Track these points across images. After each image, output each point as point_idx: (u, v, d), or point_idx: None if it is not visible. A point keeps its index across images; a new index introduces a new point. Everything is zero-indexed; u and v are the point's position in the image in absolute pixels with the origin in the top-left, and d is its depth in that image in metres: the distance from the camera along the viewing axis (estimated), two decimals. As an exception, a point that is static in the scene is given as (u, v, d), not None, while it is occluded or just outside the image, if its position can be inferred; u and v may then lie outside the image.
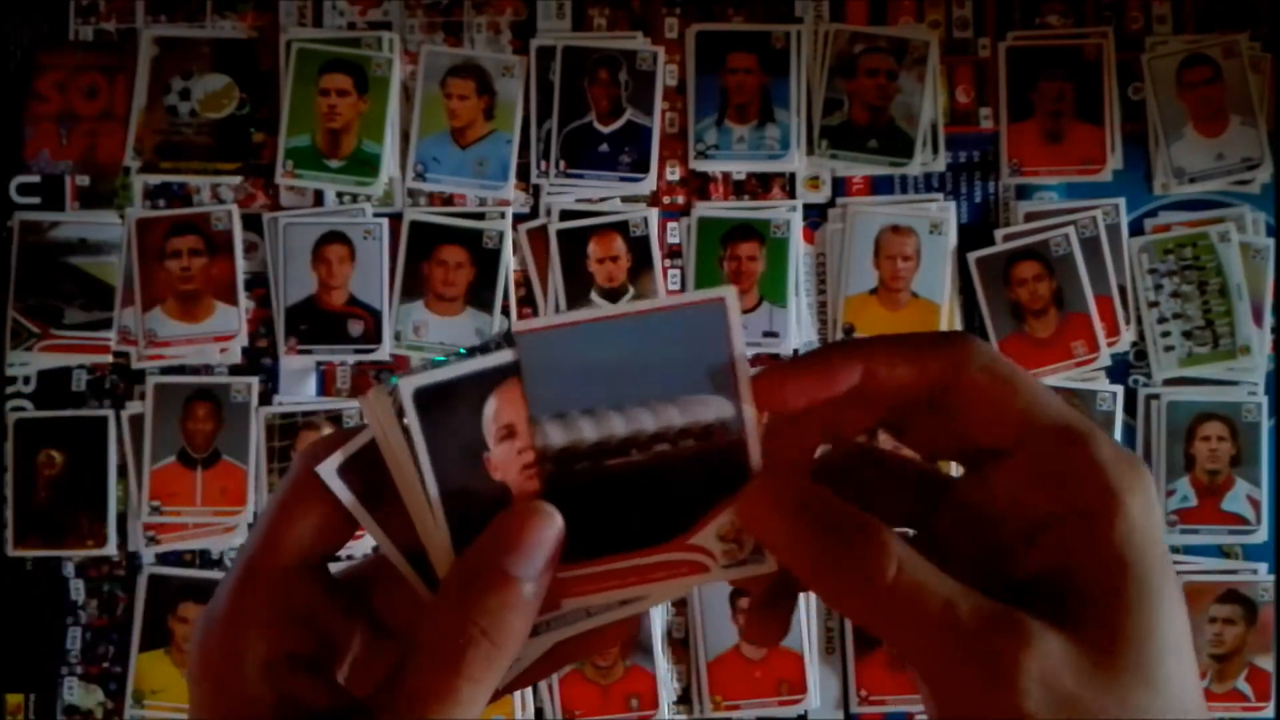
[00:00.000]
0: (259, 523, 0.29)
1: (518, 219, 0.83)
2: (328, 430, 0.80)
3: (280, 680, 0.27)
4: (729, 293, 0.29)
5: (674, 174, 0.84)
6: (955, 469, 0.31)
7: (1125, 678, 0.21)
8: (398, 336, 0.82)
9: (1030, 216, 0.83)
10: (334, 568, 0.31)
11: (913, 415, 0.28)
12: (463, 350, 0.29)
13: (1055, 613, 0.22)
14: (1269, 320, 0.82)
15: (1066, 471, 0.24)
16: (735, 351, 0.29)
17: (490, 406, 0.29)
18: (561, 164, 0.83)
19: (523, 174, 0.83)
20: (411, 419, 0.28)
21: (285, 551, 0.28)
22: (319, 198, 0.83)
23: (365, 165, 0.82)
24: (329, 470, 0.28)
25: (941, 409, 0.26)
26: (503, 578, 0.27)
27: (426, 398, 0.28)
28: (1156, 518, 0.23)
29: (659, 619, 0.80)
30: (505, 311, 0.82)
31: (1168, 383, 0.82)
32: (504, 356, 0.29)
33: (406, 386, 0.28)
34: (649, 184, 0.83)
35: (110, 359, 0.82)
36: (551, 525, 0.28)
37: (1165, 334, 0.82)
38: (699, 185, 0.84)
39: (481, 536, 0.28)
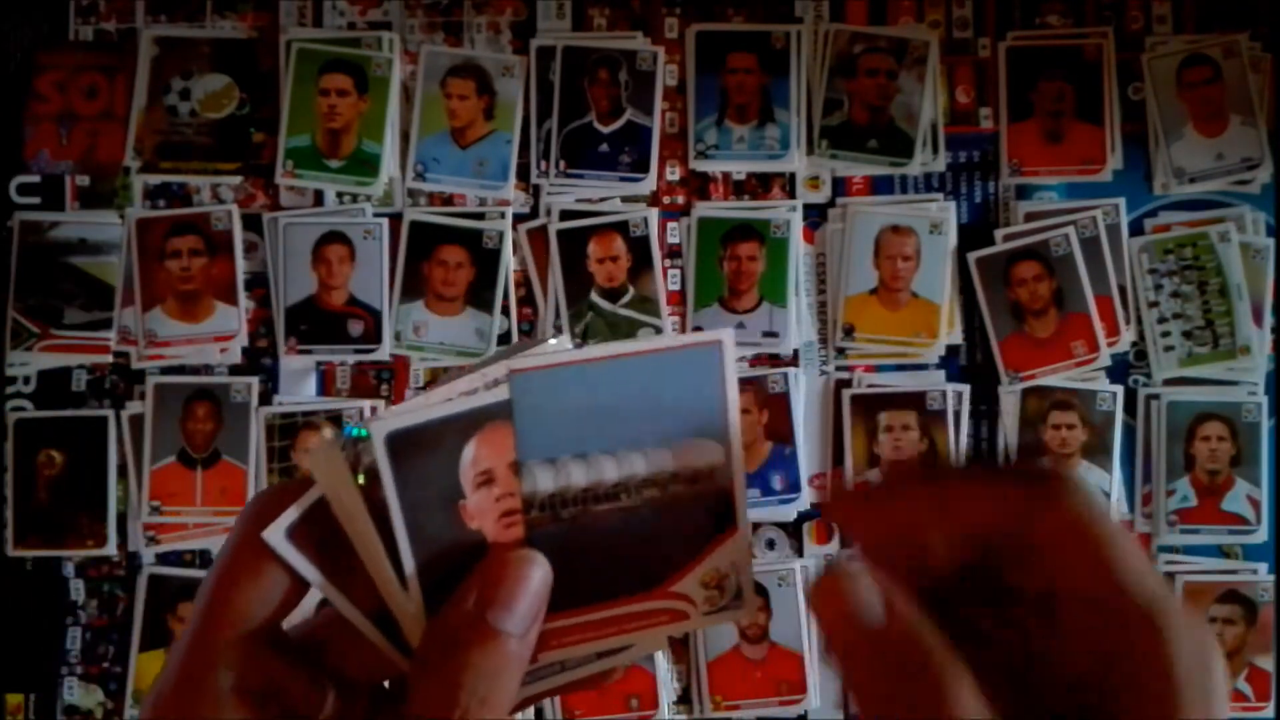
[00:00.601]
0: (204, 590, 0.27)
1: (518, 219, 0.83)
2: (327, 431, 0.80)
3: None
4: (727, 335, 0.28)
5: (674, 174, 0.84)
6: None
7: None
8: (398, 336, 0.82)
9: (1030, 216, 0.83)
10: (287, 622, 0.29)
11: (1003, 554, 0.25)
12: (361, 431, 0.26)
13: None
14: (1269, 320, 0.82)
15: (1138, 662, 0.22)
16: (729, 396, 0.28)
17: (469, 451, 0.27)
18: (561, 164, 0.83)
19: (523, 174, 0.83)
20: (383, 464, 0.26)
21: (233, 621, 0.26)
22: (319, 198, 0.83)
23: (365, 165, 0.82)
24: (277, 535, 0.26)
25: (1026, 552, 0.24)
26: (491, 634, 0.25)
27: (399, 443, 0.26)
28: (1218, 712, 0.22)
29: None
30: (505, 311, 0.82)
31: (1168, 383, 0.82)
32: (484, 399, 0.27)
33: (379, 430, 0.26)
34: (649, 184, 0.83)
35: (110, 359, 0.82)
36: (541, 573, 0.27)
37: (1165, 334, 0.82)
38: (699, 185, 0.84)
39: (462, 589, 0.26)
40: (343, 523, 0.26)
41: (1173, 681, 0.22)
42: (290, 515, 0.26)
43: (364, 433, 0.26)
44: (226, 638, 0.26)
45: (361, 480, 0.26)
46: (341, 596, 0.27)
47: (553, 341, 0.29)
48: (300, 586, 0.27)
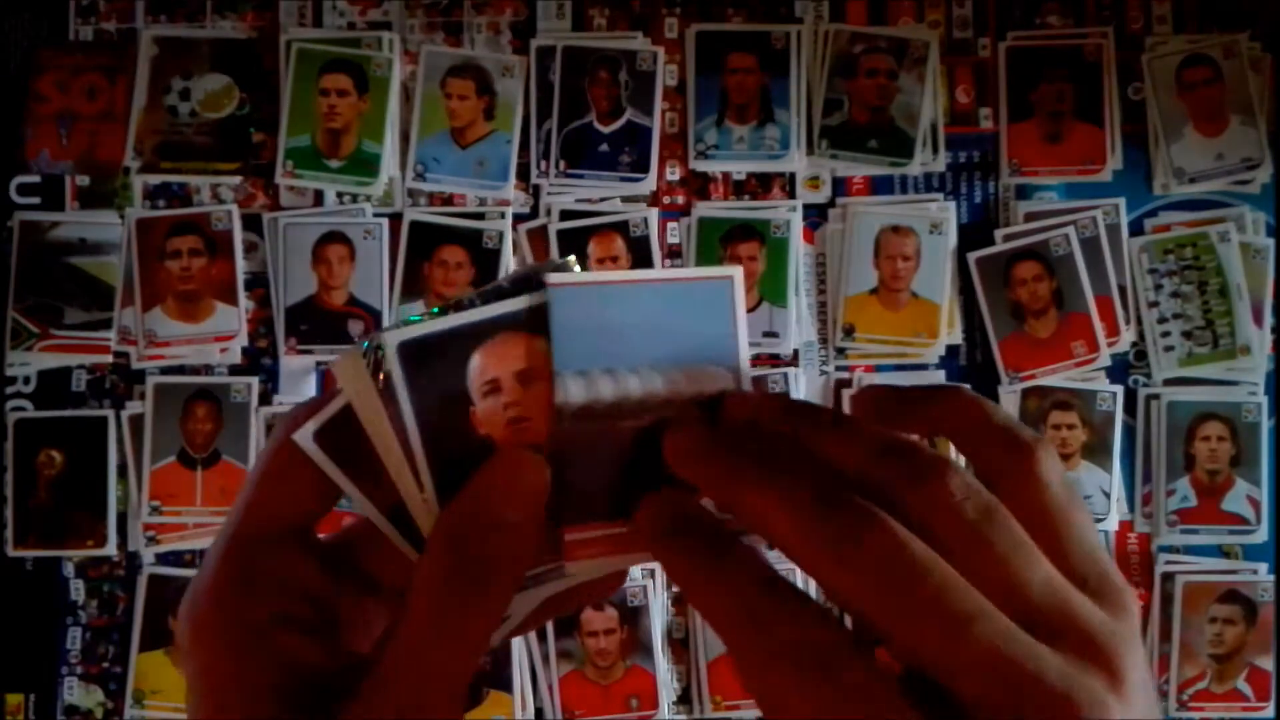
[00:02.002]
0: (240, 494, 0.28)
1: (518, 219, 0.83)
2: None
3: (276, 642, 0.27)
4: (736, 272, 0.30)
5: (674, 174, 0.84)
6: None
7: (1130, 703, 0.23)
8: (398, 336, 0.82)
9: (1030, 216, 0.83)
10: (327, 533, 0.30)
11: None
12: (435, 310, 0.28)
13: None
14: (1269, 320, 0.82)
15: (1033, 487, 0.25)
16: (739, 328, 0.30)
17: (475, 361, 0.28)
18: (561, 164, 0.83)
19: (523, 174, 0.83)
20: (396, 372, 0.28)
21: (267, 520, 0.28)
22: (319, 198, 0.83)
23: (365, 165, 0.82)
24: (305, 436, 0.28)
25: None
26: (491, 525, 0.27)
27: (411, 352, 0.28)
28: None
29: (659, 619, 0.80)
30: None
31: (1168, 383, 0.82)
32: (486, 312, 0.28)
33: (392, 339, 0.28)
34: (649, 184, 0.83)
35: (110, 359, 0.82)
36: (539, 472, 0.28)
37: (1165, 334, 0.82)
38: (699, 185, 0.84)
39: (468, 485, 0.27)
40: (364, 422, 0.28)
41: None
42: (317, 420, 0.28)
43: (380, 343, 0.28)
44: (260, 534, 0.28)
45: (380, 385, 0.28)
46: (360, 494, 0.29)
47: (572, 260, 0.30)
48: (328, 490, 0.28)
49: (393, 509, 0.29)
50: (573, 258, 0.31)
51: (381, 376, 0.28)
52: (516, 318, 0.29)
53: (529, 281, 0.29)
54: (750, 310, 0.82)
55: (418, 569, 0.27)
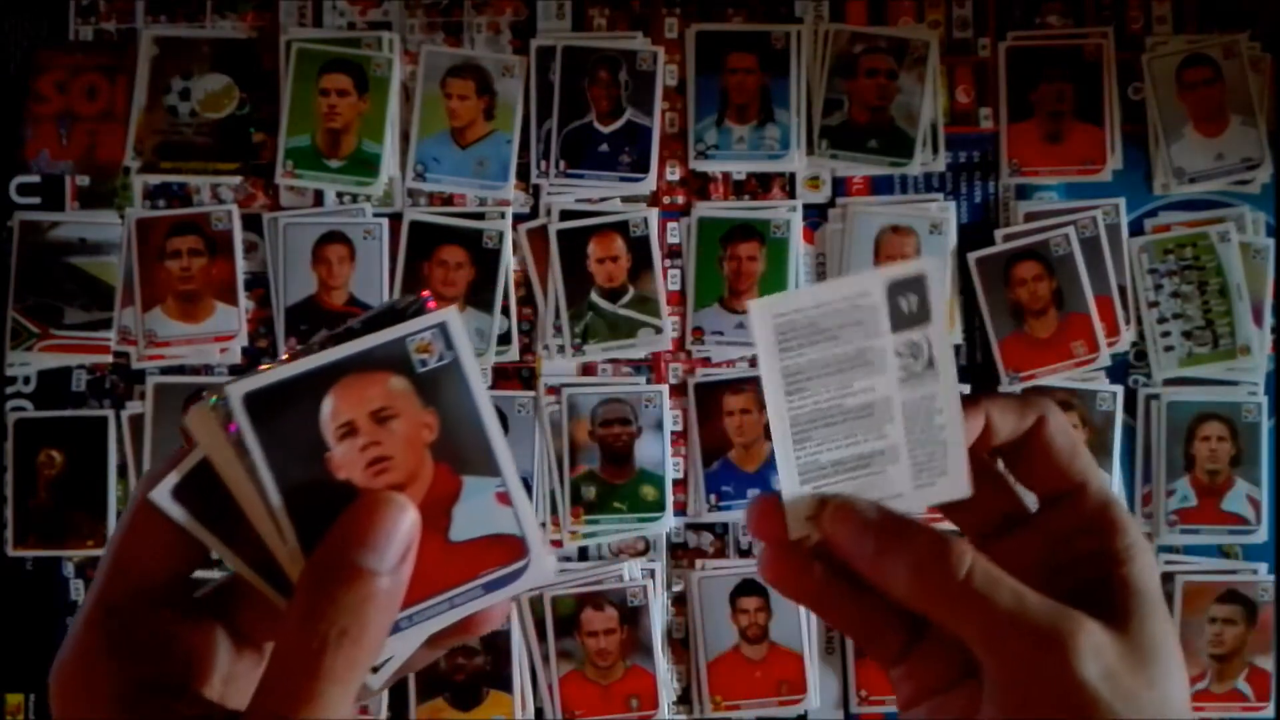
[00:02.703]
0: (103, 556, 0.28)
1: (518, 219, 0.83)
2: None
3: (146, 708, 0.26)
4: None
5: (674, 174, 0.84)
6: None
7: (1150, 665, 0.27)
8: (398, 336, 0.82)
9: (1030, 216, 0.83)
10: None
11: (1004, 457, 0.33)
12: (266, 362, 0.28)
13: (1098, 616, 0.28)
14: (1269, 320, 0.82)
15: (1107, 526, 0.30)
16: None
17: (328, 405, 0.28)
18: (561, 164, 0.83)
19: (523, 174, 0.83)
20: (244, 425, 0.27)
21: (129, 582, 0.28)
22: (319, 198, 0.83)
23: (365, 165, 0.82)
24: (163, 495, 0.27)
25: (1022, 453, 0.32)
26: (355, 572, 0.26)
27: (258, 402, 0.27)
28: (1155, 566, 0.30)
29: (659, 619, 0.80)
30: (505, 311, 0.82)
31: (1168, 383, 0.82)
32: (336, 354, 0.28)
33: (236, 392, 0.27)
34: (649, 184, 0.83)
35: (110, 359, 0.82)
36: (404, 515, 0.28)
37: (1165, 334, 0.82)
38: (699, 185, 0.84)
39: (330, 533, 0.27)
40: (222, 476, 0.28)
41: (1131, 535, 0.30)
42: (174, 477, 0.28)
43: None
44: (125, 597, 0.28)
45: (231, 438, 0.27)
46: (225, 548, 0.28)
47: (426, 295, 0.30)
48: (192, 546, 0.28)
49: (262, 559, 0.28)
50: (427, 293, 0.31)
51: (231, 429, 0.27)
52: (369, 357, 0.28)
53: (382, 320, 0.29)
54: (750, 310, 0.82)
55: (283, 621, 0.27)
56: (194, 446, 0.28)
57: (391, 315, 0.29)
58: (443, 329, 0.29)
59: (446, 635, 0.30)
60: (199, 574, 0.30)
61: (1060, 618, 0.27)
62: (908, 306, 0.32)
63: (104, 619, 0.27)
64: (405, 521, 0.28)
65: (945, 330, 0.32)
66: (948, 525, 0.33)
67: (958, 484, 0.32)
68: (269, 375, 0.28)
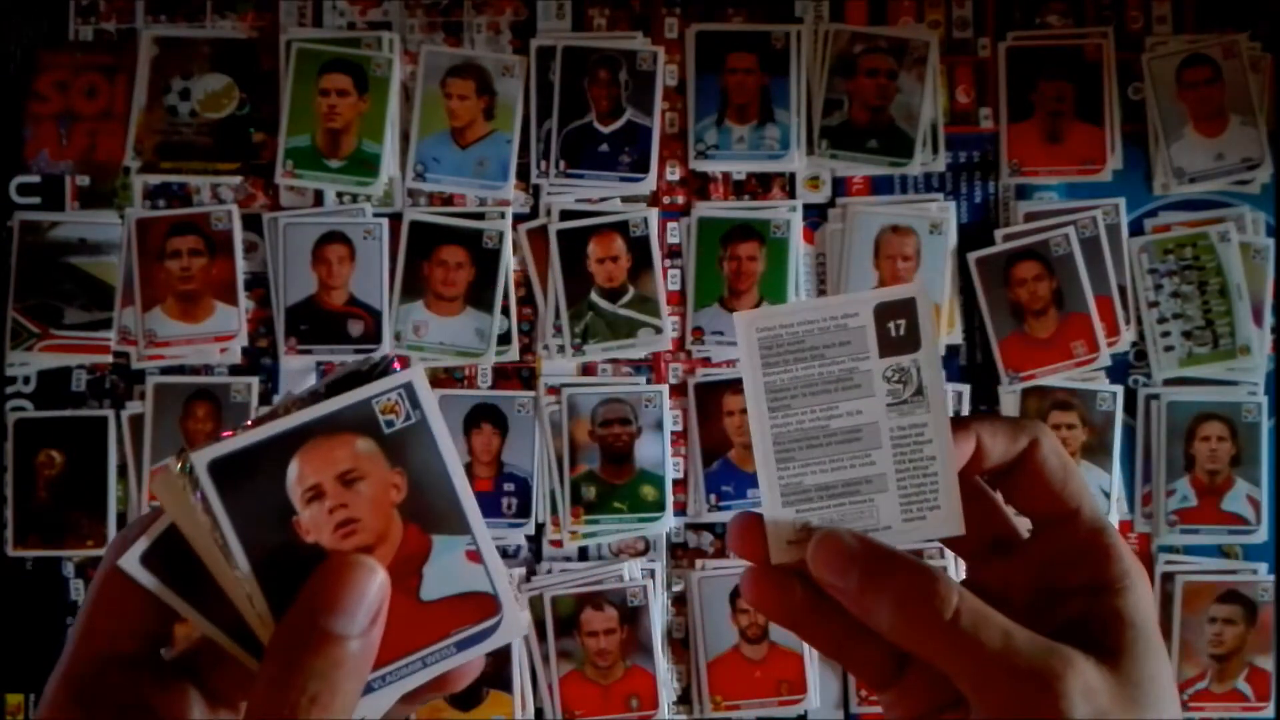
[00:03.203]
0: (75, 622, 0.29)
1: (518, 219, 0.83)
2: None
3: None
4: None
5: (674, 174, 0.84)
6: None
7: (1142, 705, 0.27)
8: (398, 336, 0.82)
9: (1030, 216, 0.83)
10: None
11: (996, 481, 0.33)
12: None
13: (1089, 651, 0.27)
14: (1269, 320, 0.82)
15: (1100, 554, 0.30)
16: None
17: (294, 469, 0.28)
18: (561, 164, 0.83)
19: (523, 174, 0.83)
20: (210, 492, 0.27)
21: (99, 647, 0.28)
22: (319, 198, 0.83)
23: (365, 165, 0.82)
24: (132, 561, 0.28)
25: (1014, 477, 0.32)
26: (323, 637, 0.26)
27: (223, 469, 0.28)
28: (1150, 594, 0.30)
29: (659, 619, 0.80)
30: (505, 311, 0.82)
31: (1168, 383, 0.82)
32: (301, 418, 0.28)
33: (200, 460, 0.27)
34: (649, 184, 0.83)
35: (110, 359, 0.82)
36: (372, 577, 0.28)
37: (1165, 334, 0.82)
38: (699, 185, 0.84)
39: (298, 597, 0.27)
40: (190, 541, 0.28)
41: (1126, 566, 0.29)
42: (143, 543, 0.28)
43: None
44: (96, 663, 0.28)
45: (202, 496, 0.28)
46: (195, 612, 0.28)
47: (392, 355, 0.30)
48: (162, 611, 0.28)
49: (233, 622, 0.28)
50: (392, 354, 0.31)
51: (198, 496, 0.27)
52: (335, 419, 0.29)
53: (348, 382, 0.29)
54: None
55: (254, 687, 0.27)
56: (163, 511, 0.28)
57: (357, 377, 0.29)
58: (408, 389, 0.29)
59: (420, 693, 0.30)
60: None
61: (1049, 655, 0.27)
62: (896, 331, 0.31)
63: (76, 684, 0.27)
64: (374, 584, 0.28)
65: (937, 358, 0.31)
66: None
67: (949, 521, 0.31)
68: (234, 441, 0.28)
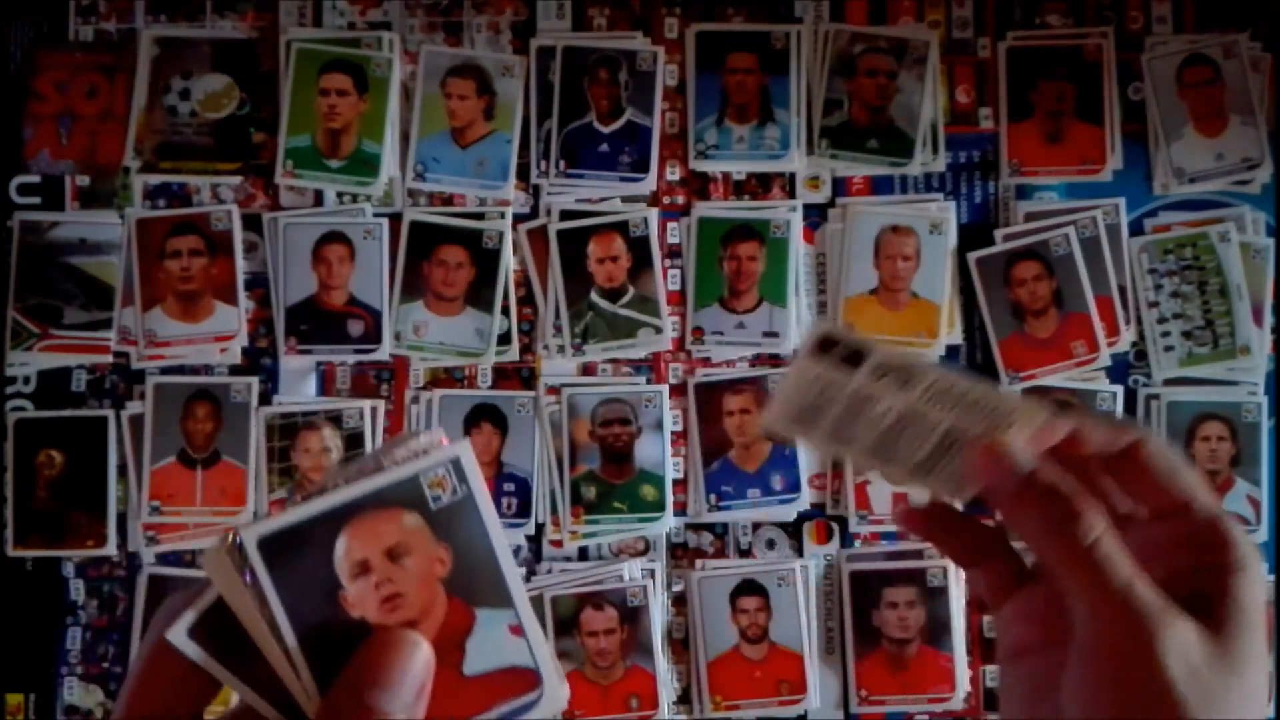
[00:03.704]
0: (123, 690, 0.29)
1: (518, 219, 0.83)
2: (327, 431, 0.80)
3: None
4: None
5: (674, 174, 0.84)
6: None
7: (1236, 674, 0.28)
8: (398, 336, 0.82)
9: (1030, 216, 0.83)
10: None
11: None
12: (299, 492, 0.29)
13: (1197, 618, 0.29)
14: (1269, 320, 0.82)
15: (1214, 539, 0.31)
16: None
17: (342, 543, 0.29)
18: (561, 164, 0.83)
19: (523, 174, 0.83)
20: (259, 568, 0.28)
21: (146, 714, 0.28)
22: (319, 198, 0.83)
23: (365, 165, 0.82)
24: (179, 635, 0.28)
25: (1121, 471, 0.33)
26: (368, 714, 0.27)
27: (272, 545, 0.28)
28: (1264, 579, 0.31)
29: (659, 619, 0.80)
30: (505, 311, 0.82)
31: (1168, 383, 0.82)
32: (350, 493, 0.29)
33: (250, 536, 0.28)
34: (649, 184, 0.83)
35: (110, 359, 0.81)
36: (417, 653, 0.28)
37: (1165, 334, 0.82)
38: (699, 185, 0.84)
39: (344, 672, 0.27)
40: (238, 615, 0.28)
41: (1239, 552, 0.30)
42: (190, 616, 0.28)
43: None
44: None
45: (247, 580, 0.28)
46: (243, 685, 0.29)
47: (438, 431, 0.31)
48: (209, 682, 0.29)
49: (278, 694, 0.29)
50: (439, 430, 0.31)
51: (248, 573, 0.28)
52: (383, 495, 0.29)
53: (396, 459, 0.30)
54: (750, 310, 0.82)
55: None
56: (210, 584, 0.29)
57: (404, 455, 0.30)
58: (455, 465, 0.30)
59: None
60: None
61: (1161, 609, 0.28)
62: (844, 353, 0.33)
63: None
64: (419, 660, 0.28)
65: (885, 346, 0.34)
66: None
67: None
68: (283, 518, 0.28)
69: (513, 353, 0.82)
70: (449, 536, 0.30)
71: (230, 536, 0.28)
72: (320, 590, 0.28)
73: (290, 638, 0.28)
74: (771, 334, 0.82)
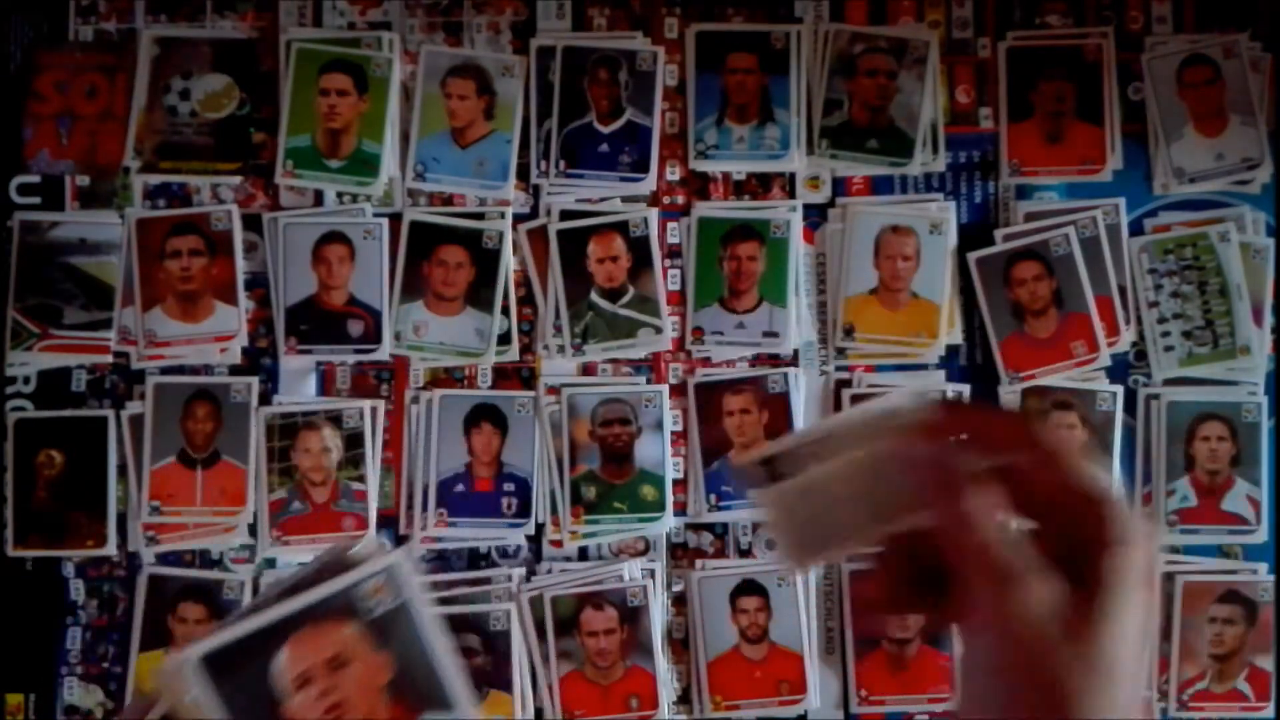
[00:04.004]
0: None
1: (518, 219, 0.83)
2: (327, 431, 0.80)
3: None
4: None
5: (674, 174, 0.84)
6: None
7: (1103, 617, 0.30)
8: (398, 336, 0.82)
9: (1030, 216, 0.83)
10: None
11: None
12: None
13: (1070, 581, 0.31)
14: (1269, 320, 0.82)
15: (1097, 519, 0.32)
16: None
17: (284, 657, 0.29)
18: (561, 164, 0.83)
19: (523, 174, 0.83)
20: (204, 684, 0.29)
21: None
22: (319, 198, 0.83)
23: (365, 165, 0.82)
24: None
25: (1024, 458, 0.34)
26: None
27: (216, 661, 0.29)
28: (1145, 555, 0.32)
29: (659, 619, 0.80)
30: (505, 311, 0.82)
31: (1168, 383, 0.82)
32: (290, 606, 0.29)
33: (192, 655, 0.29)
34: (649, 184, 0.83)
35: (110, 359, 0.81)
36: None
37: (1165, 334, 0.82)
38: (699, 185, 0.84)
39: None
40: None
41: (1124, 529, 0.32)
42: None
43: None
44: None
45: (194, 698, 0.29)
46: None
47: (374, 542, 0.32)
48: None
49: None
50: (374, 541, 0.32)
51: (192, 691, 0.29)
52: (322, 607, 0.30)
53: (333, 569, 0.30)
54: (750, 310, 0.82)
55: None
56: (161, 699, 0.29)
57: (341, 564, 0.30)
58: (391, 573, 0.31)
59: None
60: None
61: (1032, 567, 0.31)
62: (784, 465, 0.36)
63: None
64: None
65: (796, 435, 0.38)
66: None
67: None
68: (225, 635, 0.29)
69: (513, 353, 0.82)
70: (389, 644, 0.30)
71: (180, 656, 0.29)
72: (264, 703, 0.29)
73: None
74: (771, 334, 0.82)
